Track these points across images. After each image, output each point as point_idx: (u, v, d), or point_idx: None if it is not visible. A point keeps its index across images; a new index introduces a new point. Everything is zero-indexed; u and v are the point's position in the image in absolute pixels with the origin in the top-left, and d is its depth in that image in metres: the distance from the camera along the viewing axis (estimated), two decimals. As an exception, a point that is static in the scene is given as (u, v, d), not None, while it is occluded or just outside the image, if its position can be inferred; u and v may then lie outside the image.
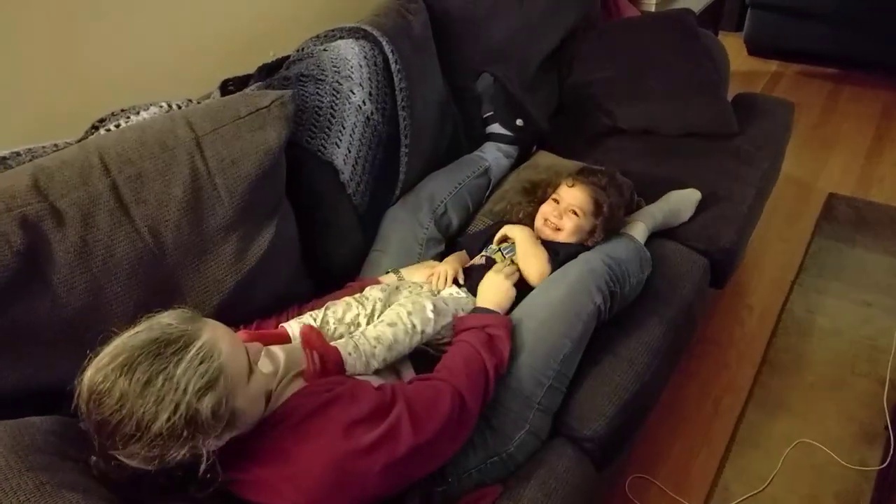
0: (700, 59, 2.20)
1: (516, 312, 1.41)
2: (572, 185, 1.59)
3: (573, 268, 1.46)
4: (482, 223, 1.78)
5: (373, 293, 1.37)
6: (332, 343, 1.20)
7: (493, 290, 1.41)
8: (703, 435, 1.86)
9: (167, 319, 0.91)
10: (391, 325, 1.25)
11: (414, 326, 1.26)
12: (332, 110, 1.53)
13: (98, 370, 0.85)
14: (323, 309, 1.33)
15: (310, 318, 1.31)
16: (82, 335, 1.12)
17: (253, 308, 1.38)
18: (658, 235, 1.77)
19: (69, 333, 1.12)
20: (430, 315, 1.29)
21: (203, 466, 0.88)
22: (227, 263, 1.31)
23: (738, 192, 1.95)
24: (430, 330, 1.29)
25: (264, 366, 1.10)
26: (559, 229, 1.56)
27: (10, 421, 0.94)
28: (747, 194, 1.95)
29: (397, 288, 1.41)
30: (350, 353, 1.18)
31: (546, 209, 1.60)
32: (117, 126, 1.34)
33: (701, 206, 1.87)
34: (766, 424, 1.87)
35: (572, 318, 1.37)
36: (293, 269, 1.50)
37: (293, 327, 1.27)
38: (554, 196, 1.61)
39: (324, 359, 1.13)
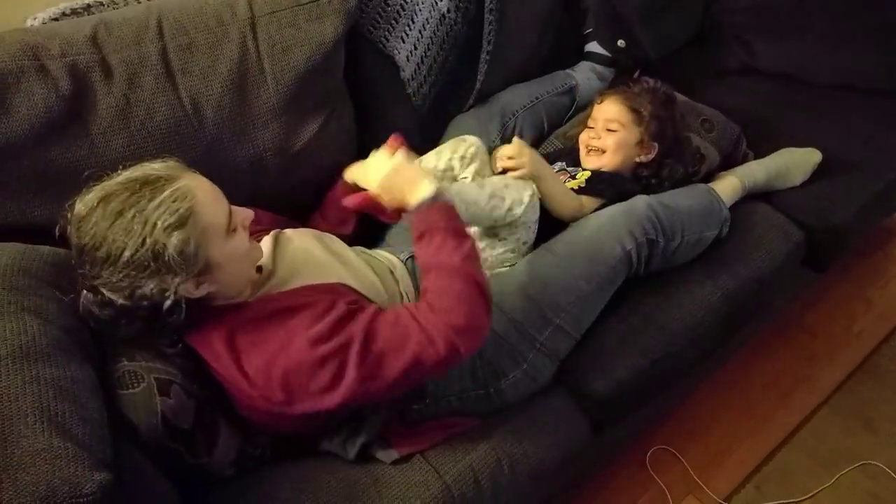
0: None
1: (543, 244, 1.32)
2: (601, 101, 1.47)
3: (612, 207, 1.32)
4: (552, 145, 1.64)
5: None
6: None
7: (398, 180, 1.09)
8: (755, 425, 1.66)
9: (153, 165, 0.96)
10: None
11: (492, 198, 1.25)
12: (402, 2, 1.45)
13: (82, 201, 0.92)
14: None
15: None
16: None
17: (293, 195, 1.39)
18: (753, 196, 1.53)
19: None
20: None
21: (168, 303, 0.91)
22: (265, 148, 1.33)
23: (878, 164, 1.62)
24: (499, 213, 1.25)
25: (265, 245, 1.14)
26: (603, 151, 1.43)
27: (21, 244, 1.05)
28: (889, 169, 1.61)
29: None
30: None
31: (584, 137, 1.49)
32: (192, -9, 1.38)
33: (821, 172, 1.58)
34: (834, 434, 1.63)
35: (595, 259, 1.25)
36: (346, 163, 1.49)
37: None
38: (589, 122, 1.48)
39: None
